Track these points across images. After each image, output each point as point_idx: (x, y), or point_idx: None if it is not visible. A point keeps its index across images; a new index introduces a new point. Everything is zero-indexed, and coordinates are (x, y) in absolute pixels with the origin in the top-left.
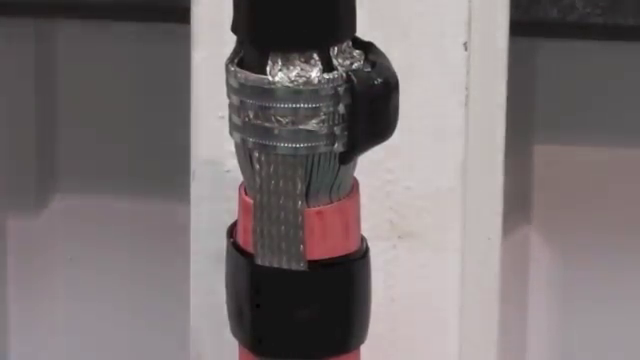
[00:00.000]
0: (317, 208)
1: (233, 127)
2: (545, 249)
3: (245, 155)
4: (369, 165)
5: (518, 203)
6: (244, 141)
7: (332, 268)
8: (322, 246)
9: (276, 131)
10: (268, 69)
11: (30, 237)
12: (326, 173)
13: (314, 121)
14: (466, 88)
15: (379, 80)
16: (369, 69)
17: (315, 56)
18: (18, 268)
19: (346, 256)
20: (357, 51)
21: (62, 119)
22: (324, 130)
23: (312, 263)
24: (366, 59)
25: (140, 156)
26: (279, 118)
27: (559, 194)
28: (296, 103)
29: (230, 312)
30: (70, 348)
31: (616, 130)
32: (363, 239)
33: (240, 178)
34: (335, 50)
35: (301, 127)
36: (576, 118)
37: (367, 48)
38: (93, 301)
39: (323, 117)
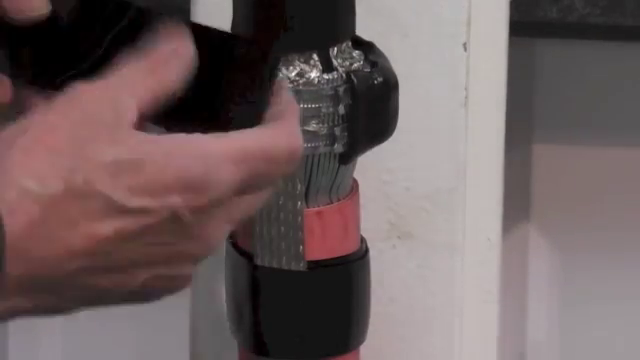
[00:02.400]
0: (317, 208)
1: None
2: (545, 249)
3: None
4: (369, 165)
5: (518, 203)
6: None
7: (331, 268)
8: (321, 246)
9: None
10: None
11: None
12: (326, 173)
13: (314, 122)
14: (466, 88)
15: (379, 80)
16: (369, 69)
17: (315, 56)
18: None
19: (345, 256)
20: (357, 51)
21: None
22: (324, 131)
23: (312, 263)
24: (366, 59)
25: None
26: None
27: (559, 194)
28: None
29: (230, 312)
30: (70, 348)
31: (616, 130)
32: (362, 239)
33: None
34: (335, 50)
35: (301, 128)
36: (576, 118)
37: (367, 48)
38: None
39: (323, 118)
